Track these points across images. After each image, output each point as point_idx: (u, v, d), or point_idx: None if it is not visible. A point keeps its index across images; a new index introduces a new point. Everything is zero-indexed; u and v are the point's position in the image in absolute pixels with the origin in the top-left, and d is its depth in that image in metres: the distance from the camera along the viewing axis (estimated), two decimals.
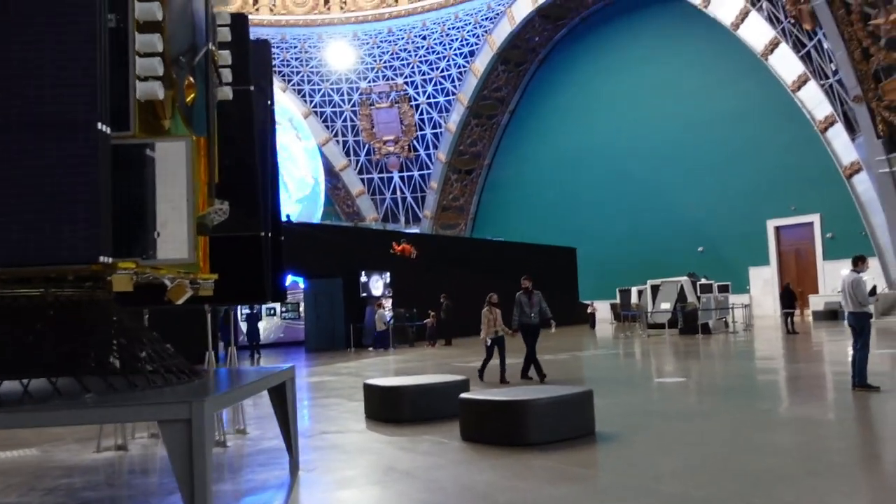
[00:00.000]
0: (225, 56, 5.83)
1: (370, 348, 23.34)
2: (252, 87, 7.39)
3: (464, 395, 7.58)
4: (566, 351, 18.86)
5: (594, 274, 37.75)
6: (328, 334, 24.99)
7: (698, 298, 25.26)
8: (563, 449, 6.52)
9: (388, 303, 25.23)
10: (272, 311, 29.12)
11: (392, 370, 16.53)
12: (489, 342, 12.38)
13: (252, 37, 7.45)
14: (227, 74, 5.87)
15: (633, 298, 31.98)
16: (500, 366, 12.17)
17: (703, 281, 26.47)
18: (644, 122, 39.34)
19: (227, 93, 5.86)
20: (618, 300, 35.57)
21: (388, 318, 24.74)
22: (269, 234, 7.71)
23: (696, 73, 37.28)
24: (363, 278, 24.85)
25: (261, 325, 28.61)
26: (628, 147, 39.97)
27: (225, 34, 5.90)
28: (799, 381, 11.74)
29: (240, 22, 7.35)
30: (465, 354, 19.26)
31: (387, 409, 8.66)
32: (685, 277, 27.25)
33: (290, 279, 29.51)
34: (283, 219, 26.66)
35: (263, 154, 7.78)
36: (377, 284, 25.26)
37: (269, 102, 8.18)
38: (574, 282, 36.35)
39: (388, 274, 25.64)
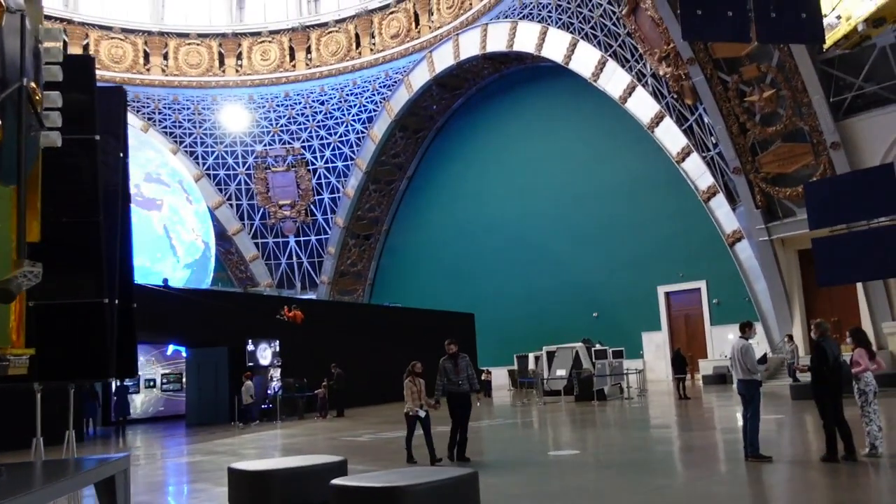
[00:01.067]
0: (53, 98, 5.02)
1: (255, 422, 21.94)
2: (97, 136, 6.62)
3: (335, 482, 6.76)
4: None
5: (492, 340, 37.45)
6: (211, 407, 23.38)
7: (593, 364, 25.20)
8: None
9: (276, 372, 23.91)
10: (151, 383, 27.17)
11: (275, 447, 15.37)
12: (415, 411, 11.00)
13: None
14: (54, 118, 5.04)
15: (531, 364, 31.78)
16: (427, 443, 10.68)
17: (598, 346, 26.50)
18: (538, 191, 40.01)
19: (53, 139, 5.03)
20: (515, 366, 35.35)
21: (277, 389, 23.46)
22: (116, 301, 6.83)
23: (587, 144, 38.35)
24: (250, 347, 23.49)
25: (138, 397, 26.65)
26: (524, 214, 40.45)
27: (55, 73, 5.10)
28: (693, 451, 11.49)
29: (82, 63, 6.61)
30: (356, 427, 18.27)
31: (253, 496, 7.68)
32: (580, 343, 27.29)
33: (171, 349, 27.78)
34: (160, 284, 25.22)
35: (111, 210, 6.92)
36: (265, 353, 23.93)
37: (121, 154, 7.37)
38: (473, 348, 35.92)
39: (278, 342, 24.39)
